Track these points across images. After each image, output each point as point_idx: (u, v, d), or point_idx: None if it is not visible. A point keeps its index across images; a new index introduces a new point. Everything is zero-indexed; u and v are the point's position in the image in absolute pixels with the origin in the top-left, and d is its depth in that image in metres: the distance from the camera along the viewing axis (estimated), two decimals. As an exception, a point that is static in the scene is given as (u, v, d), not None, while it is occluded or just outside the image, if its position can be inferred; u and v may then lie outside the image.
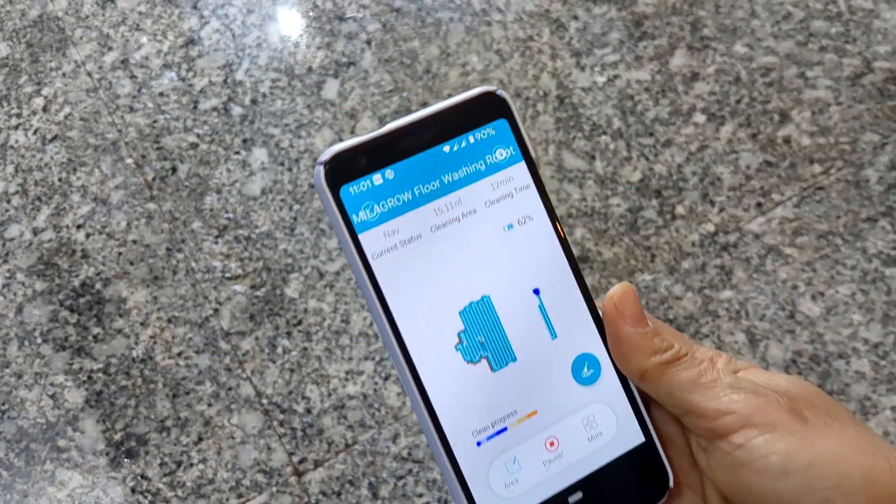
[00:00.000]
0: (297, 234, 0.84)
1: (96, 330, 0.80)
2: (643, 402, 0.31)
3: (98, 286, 0.82)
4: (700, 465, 0.30)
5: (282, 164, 0.87)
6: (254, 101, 0.91)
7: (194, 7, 0.95)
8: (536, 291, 0.30)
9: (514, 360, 0.30)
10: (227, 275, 0.83)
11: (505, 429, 0.29)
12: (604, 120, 0.92)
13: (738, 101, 0.93)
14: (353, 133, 0.89)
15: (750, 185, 0.89)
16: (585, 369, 0.30)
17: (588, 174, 0.89)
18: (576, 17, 0.98)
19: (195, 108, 0.90)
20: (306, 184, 0.87)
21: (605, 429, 0.30)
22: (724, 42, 0.97)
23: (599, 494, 0.30)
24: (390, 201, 0.29)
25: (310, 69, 0.92)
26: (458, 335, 0.29)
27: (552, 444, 0.30)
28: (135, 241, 0.84)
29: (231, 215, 0.85)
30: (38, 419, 0.77)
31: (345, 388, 0.79)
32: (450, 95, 0.92)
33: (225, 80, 0.91)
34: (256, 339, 0.80)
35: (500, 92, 0.30)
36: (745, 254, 0.86)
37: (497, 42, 0.96)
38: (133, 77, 0.91)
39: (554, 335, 0.30)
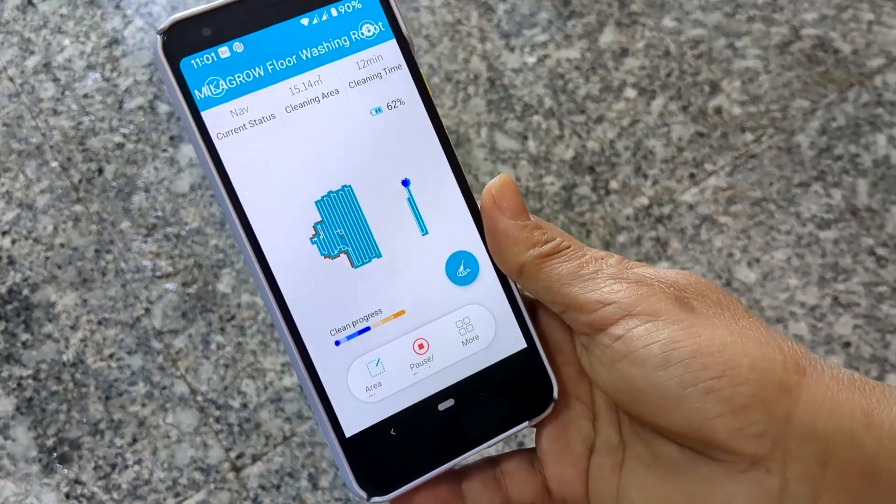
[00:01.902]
0: (228, 229, 0.83)
1: (25, 336, 0.79)
2: (528, 306, 0.29)
3: (25, 292, 0.81)
4: (584, 367, 0.27)
5: (195, 150, 0.86)
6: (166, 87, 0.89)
7: (117, 7, 0.94)
8: (406, 183, 0.28)
9: (379, 255, 0.27)
10: (158, 273, 0.81)
11: (368, 328, 0.27)
12: (535, 100, 0.92)
13: (669, 75, 0.94)
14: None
15: (682, 156, 0.89)
16: (461, 268, 0.28)
17: (521, 154, 0.89)
18: (504, -1, 0.97)
19: (120, 107, 0.89)
20: (236, 178, 0.86)
21: (481, 332, 0.28)
22: (652, 17, 0.97)
23: (474, 403, 0.28)
24: (238, 77, 0.26)
25: (236, 63, 0.92)
26: (315, 227, 0.27)
27: (421, 346, 0.27)
28: (62, 245, 0.82)
29: (160, 213, 0.84)
30: (-33, 430, 0.76)
31: (281, 380, 0.78)
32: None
33: (150, 79, 0.90)
34: (189, 336, 0.79)
35: None
36: (680, 225, 0.86)
37: (426, 27, 0.96)
38: (56, 80, 0.90)
39: (425, 231, 0.28)
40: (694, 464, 0.25)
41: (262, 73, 0.26)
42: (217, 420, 0.76)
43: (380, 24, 0.27)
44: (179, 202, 0.84)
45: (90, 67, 0.91)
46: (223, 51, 0.26)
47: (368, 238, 0.27)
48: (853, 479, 0.23)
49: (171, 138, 0.87)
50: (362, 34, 0.27)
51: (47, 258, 0.82)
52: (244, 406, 0.77)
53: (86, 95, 0.89)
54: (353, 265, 0.27)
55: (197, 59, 0.26)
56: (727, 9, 0.97)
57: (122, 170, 0.86)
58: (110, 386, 0.77)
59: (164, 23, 0.26)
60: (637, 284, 0.25)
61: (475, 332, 0.28)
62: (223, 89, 0.26)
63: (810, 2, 0.98)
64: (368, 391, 0.27)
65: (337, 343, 0.27)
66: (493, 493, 0.28)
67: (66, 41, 0.92)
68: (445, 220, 0.28)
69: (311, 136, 0.27)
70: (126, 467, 0.75)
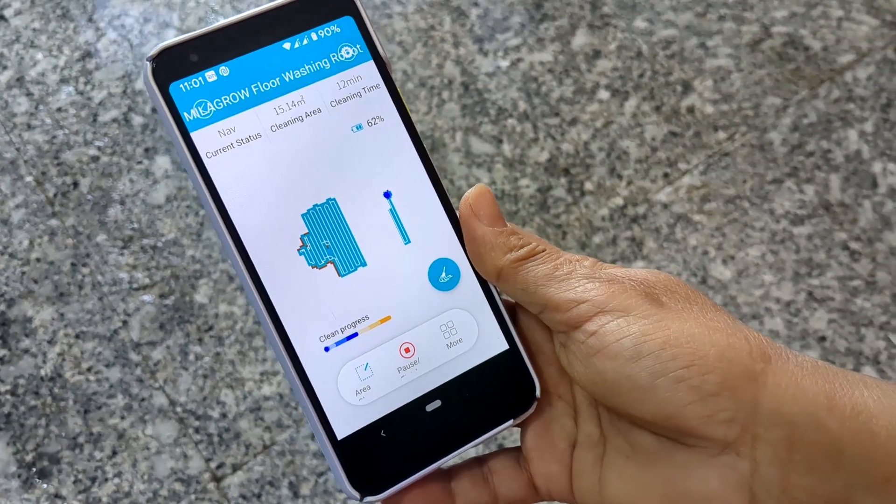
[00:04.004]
0: (205, 239, 0.84)
1: (2, 352, 0.79)
2: (509, 310, 0.30)
3: (2, 307, 0.80)
4: (563, 365, 0.28)
5: (185, 170, 0.87)
6: (154, 110, 0.90)
7: (90, 20, 0.94)
8: (388, 195, 0.29)
9: (364, 264, 0.29)
10: (135, 285, 0.81)
11: (356, 334, 0.28)
12: (509, 103, 0.92)
13: (641, 76, 0.94)
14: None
15: (656, 156, 0.90)
16: (443, 274, 0.29)
17: (496, 158, 0.89)
18: (476, 4, 0.98)
19: (95, 120, 0.89)
20: (211, 188, 0.86)
21: (465, 335, 0.29)
22: (624, 18, 0.98)
23: (460, 403, 0.29)
24: (225, 99, 0.27)
25: (210, 74, 0.92)
26: (302, 238, 0.28)
27: (407, 350, 0.29)
28: (38, 259, 0.82)
29: (136, 225, 0.84)
30: (-54, 447, 0.76)
31: (260, 389, 0.78)
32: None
33: (124, 91, 0.90)
34: (168, 347, 0.79)
35: None
36: (655, 224, 0.87)
37: (399, 33, 0.96)
38: (30, 94, 0.90)
39: (407, 240, 0.29)
40: (669, 451, 0.26)
41: (247, 95, 0.28)
42: (196, 430, 0.76)
43: (358, 46, 0.29)
44: (155, 214, 0.85)
45: (63, 81, 0.91)
46: (210, 75, 0.27)
47: (353, 248, 0.29)
48: (819, 459, 0.24)
49: (146, 150, 0.88)
50: (342, 56, 0.29)
51: (23, 273, 0.82)
52: (223, 416, 0.77)
53: (59, 109, 0.89)
54: (339, 274, 0.28)
55: (185, 84, 0.27)
56: (698, 8, 0.98)
57: (98, 183, 0.86)
58: (89, 399, 0.77)
59: (153, 49, 0.27)
60: (609, 283, 0.26)
61: (459, 335, 0.29)
62: (211, 111, 0.27)
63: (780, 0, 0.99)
64: (358, 394, 0.28)
65: (326, 349, 0.28)
66: (481, 491, 0.29)
67: (39, 55, 0.92)
68: (426, 228, 0.29)
69: (296, 152, 0.28)
70: (106, 480, 0.75)
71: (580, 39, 0.96)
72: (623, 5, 0.98)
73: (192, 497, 0.74)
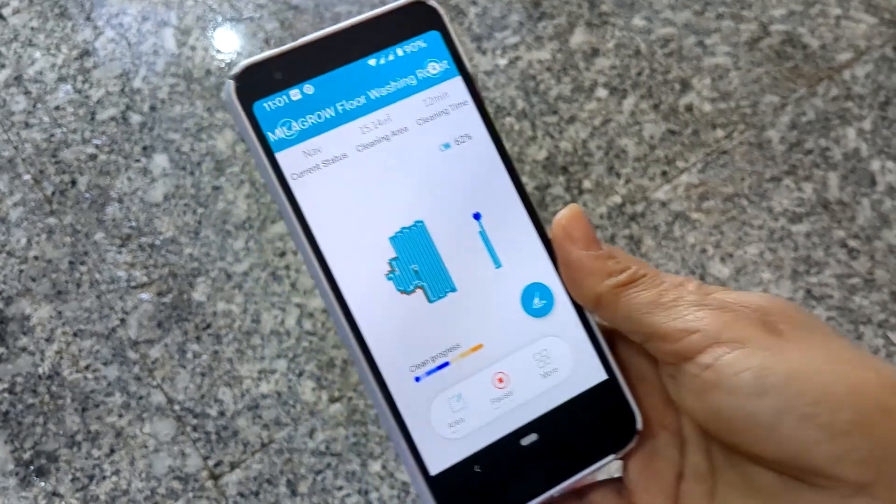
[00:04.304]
0: (203, 237, 0.83)
1: (0, 350, 0.79)
2: (607, 338, 0.28)
3: (0, 306, 0.80)
4: (672, 397, 0.26)
5: (183, 168, 0.86)
6: (152, 108, 0.90)
7: (88, 19, 0.94)
8: (477, 216, 0.28)
9: (454, 290, 0.27)
10: (133, 284, 0.81)
11: (447, 363, 0.27)
12: (508, 101, 0.92)
13: (639, 74, 0.94)
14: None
15: (654, 154, 0.90)
16: (536, 300, 0.28)
17: (494, 156, 0.89)
18: (474, 3, 0.98)
19: (92, 119, 0.89)
20: (209, 186, 0.86)
21: (560, 365, 0.28)
22: (622, 17, 0.98)
23: (558, 437, 0.27)
24: (310, 118, 0.27)
25: (208, 72, 0.92)
26: (390, 263, 0.27)
27: (500, 380, 0.27)
28: (36, 258, 0.82)
29: (134, 224, 0.84)
30: (-57, 445, 0.76)
31: (258, 387, 0.78)
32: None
33: (122, 89, 0.90)
34: (165, 345, 0.79)
35: (431, 1, 0.28)
36: (653, 222, 0.86)
37: (397, 32, 0.96)
38: (28, 93, 0.90)
39: (498, 263, 0.28)
40: (793, 491, 0.24)
41: (332, 114, 0.27)
42: (194, 428, 0.76)
43: (444, 62, 0.28)
44: (153, 212, 0.84)
45: (62, 79, 0.91)
46: (294, 93, 0.27)
47: (443, 272, 0.27)
48: None
49: (144, 148, 0.87)
50: (428, 72, 0.28)
51: (21, 271, 0.82)
52: (221, 414, 0.77)
53: (57, 107, 0.89)
54: (428, 300, 0.27)
55: (269, 102, 0.26)
56: (696, 7, 0.98)
57: (96, 181, 0.86)
58: (87, 397, 0.77)
59: (237, 68, 0.26)
60: (721, 311, 0.25)
61: (554, 364, 0.28)
62: (296, 130, 0.27)
63: (778, -2, 0.99)
64: (451, 427, 0.27)
65: (417, 379, 0.27)
66: None
67: (37, 54, 0.92)
68: (518, 252, 0.28)
69: (383, 173, 0.27)
70: (104, 478, 0.74)
71: (578, 38, 0.96)
72: (621, 4, 0.98)
73: (190, 495, 0.74)
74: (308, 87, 0.27)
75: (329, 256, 0.26)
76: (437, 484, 0.26)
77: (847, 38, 0.96)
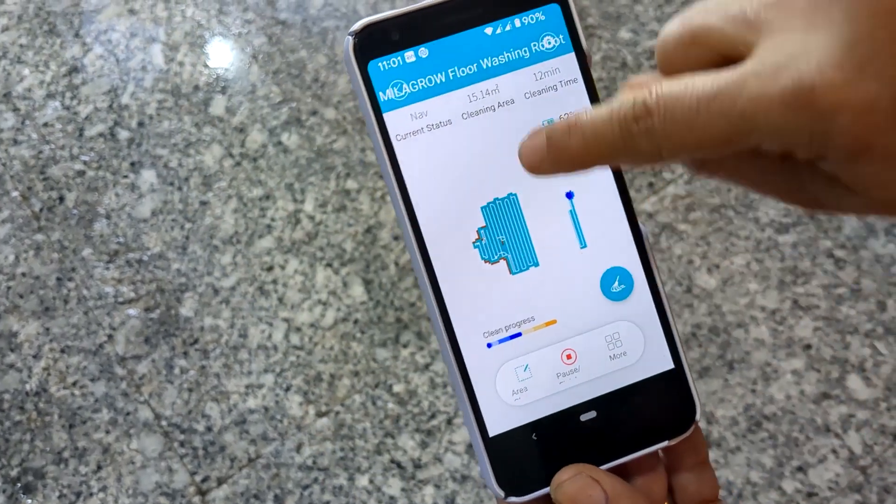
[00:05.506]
0: (190, 252, 0.84)
1: (-13, 367, 0.79)
2: (677, 328, 0.29)
3: (-13, 322, 0.81)
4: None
5: (171, 183, 0.87)
6: (140, 124, 0.90)
7: (76, 35, 0.94)
8: (570, 195, 0.28)
9: (537, 264, 0.28)
10: (120, 299, 0.81)
11: (519, 334, 0.28)
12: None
13: (626, 85, 0.95)
14: (242, 146, 0.89)
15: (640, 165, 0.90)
16: (616, 284, 0.28)
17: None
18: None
19: (81, 135, 0.89)
20: (197, 202, 0.86)
21: (630, 349, 0.28)
22: (608, 29, 0.98)
23: (616, 417, 0.28)
24: (421, 81, 0.27)
25: (196, 87, 0.92)
26: (478, 231, 0.27)
27: (569, 356, 0.28)
28: (24, 274, 0.83)
29: (122, 239, 0.84)
30: (-70, 463, 0.76)
31: (245, 402, 0.78)
32: (339, 103, 0.92)
33: (110, 105, 0.91)
34: (153, 361, 0.79)
35: None
36: (640, 233, 0.87)
37: (384, 46, 0.96)
38: (16, 110, 0.90)
39: (583, 244, 0.28)
40: None
41: (443, 80, 0.27)
42: (181, 444, 0.76)
43: (560, 37, 0.28)
44: (141, 227, 0.85)
45: (50, 96, 0.91)
46: (409, 55, 0.27)
47: (528, 246, 0.28)
48: None
49: (132, 164, 0.88)
50: (542, 46, 0.28)
51: (9, 288, 0.82)
52: (208, 429, 0.77)
53: (46, 124, 0.90)
54: (511, 272, 0.28)
55: (384, 62, 0.27)
56: (682, 19, 0.99)
57: (84, 197, 0.86)
58: (74, 414, 0.77)
59: (357, 25, 0.26)
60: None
61: (623, 347, 0.28)
62: (406, 93, 0.27)
63: (764, 9, 0.99)
64: (515, 395, 0.28)
65: (489, 346, 0.28)
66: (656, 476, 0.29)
67: (26, 71, 0.93)
68: (605, 234, 0.28)
69: (484, 143, 0.27)
70: (91, 495, 0.74)
71: (565, 50, 0.97)
72: (607, 16, 0.99)
73: (177, 511, 0.74)
74: (423, 51, 0.27)
75: (421, 219, 0.27)
76: (494, 445, 0.27)
77: (832, 49, 0.97)
